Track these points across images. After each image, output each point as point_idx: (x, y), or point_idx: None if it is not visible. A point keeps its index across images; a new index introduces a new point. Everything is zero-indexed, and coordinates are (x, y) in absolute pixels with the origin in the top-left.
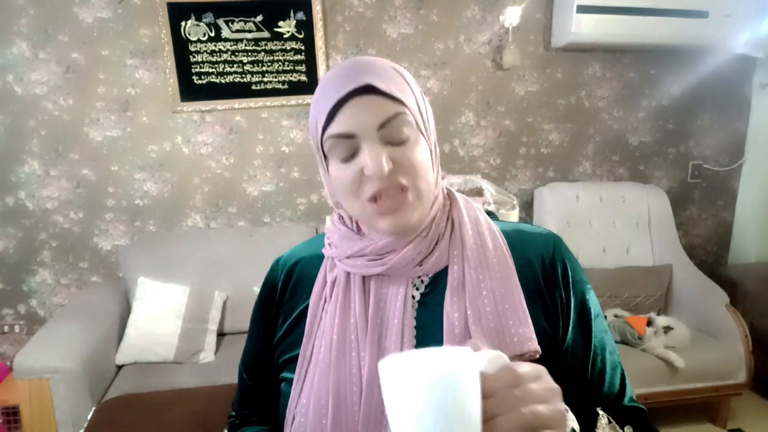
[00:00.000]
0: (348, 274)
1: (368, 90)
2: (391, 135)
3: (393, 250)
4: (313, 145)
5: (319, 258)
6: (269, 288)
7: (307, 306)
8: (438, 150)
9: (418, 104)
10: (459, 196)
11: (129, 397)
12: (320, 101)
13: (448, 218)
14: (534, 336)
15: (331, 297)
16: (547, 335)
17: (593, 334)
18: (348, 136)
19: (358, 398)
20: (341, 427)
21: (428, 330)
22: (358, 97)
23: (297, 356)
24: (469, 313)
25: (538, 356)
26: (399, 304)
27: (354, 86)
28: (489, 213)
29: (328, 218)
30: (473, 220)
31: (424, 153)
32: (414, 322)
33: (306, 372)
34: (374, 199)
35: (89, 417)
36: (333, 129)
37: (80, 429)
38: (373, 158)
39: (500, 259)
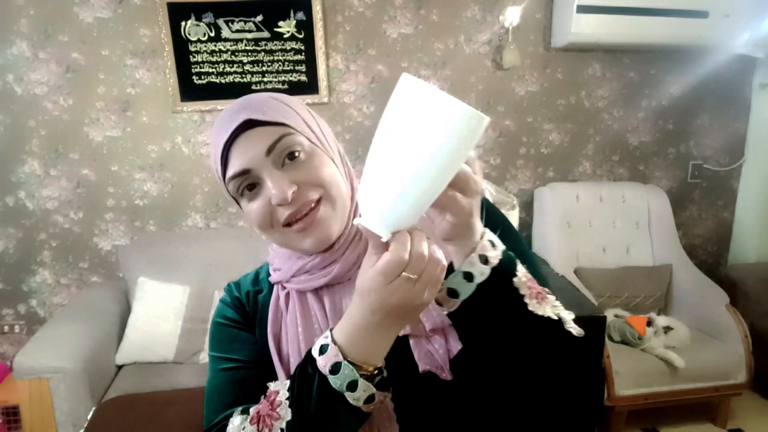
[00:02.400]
0: (299, 290)
1: (249, 125)
2: (282, 156)
3: (334, 261)
4: (222, 190)
5: (267, 288)
6: (236, 304)
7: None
8: (347, 159)
9: (305, 122)
10: None
11: (129, 397)
12: (213, 148)
13: None
14: None
15: (287, 310)
16: None
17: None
18: (244, 173)
19: None
20: None
21: None
22: (241, 134)
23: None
24: None
25: None
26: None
27: (234, 125)
28: None
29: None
30: None
31: (325, 164)
32: None
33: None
34: (288, 223)
35: (89, 417)
36: (230, 171)
37: (80, 429)
38: (275, 186)
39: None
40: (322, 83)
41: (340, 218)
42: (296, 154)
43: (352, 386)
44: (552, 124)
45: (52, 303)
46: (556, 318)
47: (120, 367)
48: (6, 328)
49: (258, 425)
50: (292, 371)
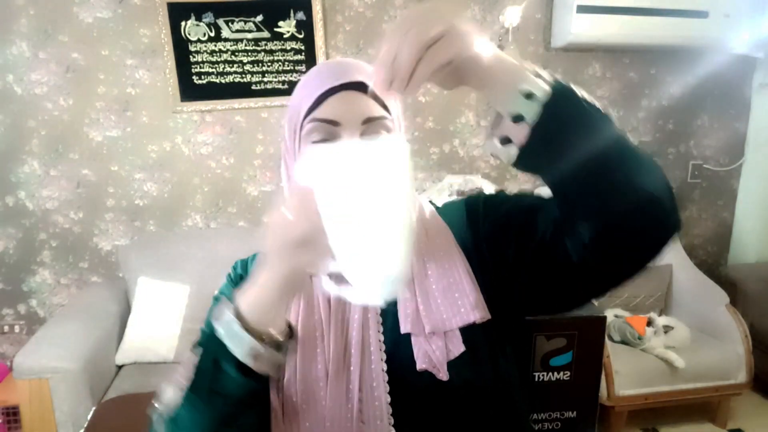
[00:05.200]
0: None
1: (359, 88)
2: (370, 133)
3: None
4: (287, 131)
5: None
6: (238, 282)
7: None
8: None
9: (398, 116)
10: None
11: (129, 397)
12: (307, 88)
13: None
14: (479, 301)
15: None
16: (492, 288)
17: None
18: (332, 123)
19: (324, 386)
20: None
21: (390, 315)
22: (347, 91)
23: None
24: (417, 292)
25: (487, 320)
26: (358, 316)
27: (347, 80)
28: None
29: None
30: (418, 209)
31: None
32: (378, 310)
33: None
34: None
35: (89, 417)
36: (318, 113)
37: (80, 429)
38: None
39: (439, 231)
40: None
41: None
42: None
43: (234, 337)
44: None
45: (52, 303)
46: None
47: (120, 367)
48: (6, 328)
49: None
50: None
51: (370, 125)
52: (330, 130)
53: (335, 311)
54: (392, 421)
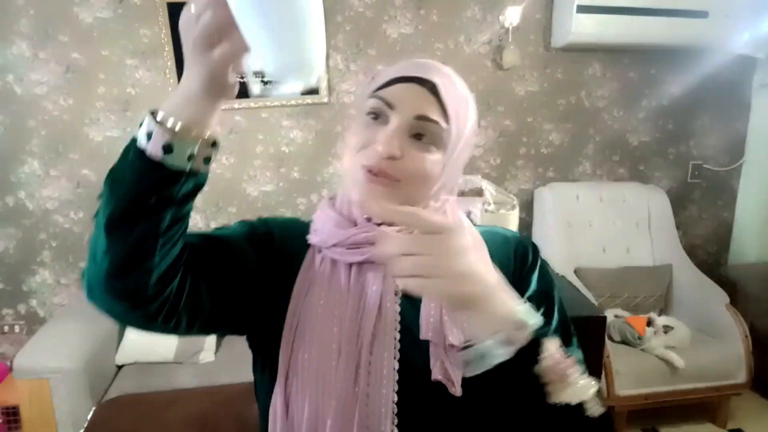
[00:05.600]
0: (333, 259)
1: (430, 88)
2: (418, 131)
3: (374, 243)
4: (358, 105)
5: (303, 237)
6: (265, 229)
7: (291, 275)
8: (456, 180)
9: (458, 134)
10: (459, 213)
11: (129, 397)
12: (388, 70)
13: None
14: None
15: (317, 275)
16: None
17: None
18: (388, 104)
19: (336, 367)
20: (323, 395)
21: (410, 317)
22: (417, 85)
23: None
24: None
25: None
26: (376, 287)
27: (422, 75)
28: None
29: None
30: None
31: (432, 166)
32: (398, 308)
33: (292, 347)
34: (369, 169)
35: (89, 417)
36: (382, 92)
37: (80, 429)
38: (390, 138)
39: (476, 244)
40: (322, 83)
41: (399, 203)
42: (424, 140)
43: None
44: (552, 124)
45: (52, 303)
46: (574, 403)
47: (120, 367)
48: (6, 328)
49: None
50: (294, 333)
51: (420, 123)
52: (383, 111)
53: (353, 297)
54: (396, 421)
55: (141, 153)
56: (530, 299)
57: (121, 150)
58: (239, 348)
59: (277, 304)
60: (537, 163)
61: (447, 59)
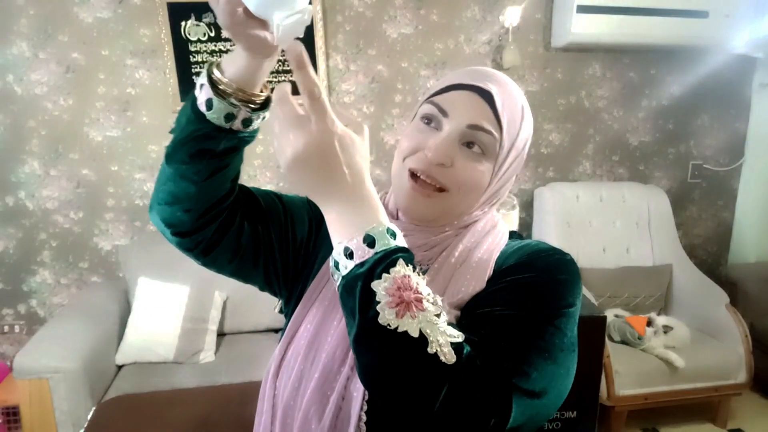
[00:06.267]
0: None
1: (485, 97)
2: (469, 140)
3: (406, 235)
4: (415, 108)
5: None
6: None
7: (320, 258)
8: (504, 192)
9: (510, 145)
10: (502, 228)
11: (129, 397)
12: (445, 77)
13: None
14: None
15: None
16: None
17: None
18: (442, 111)
19: (329, 342)
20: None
21: None
22: (473, 93)
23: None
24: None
25: None
26: None
27: (478, 84)
28: (513, 233)
29: None
30: (494, 240)
31: (481, 176)
32: None
33: (302, 319)
34: (414, 173)
35: (89, 417)
36: (438, 98)
37: (80, 429)
38: (441, 145)
39: (480, 263)
40: (322, 83)
41: (442, 213)
42: (477, 150)
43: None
44: (552, 124)
45: (52, 303)
46: (415, 335)
47: (120, 367)
48: (6, 328)
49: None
50: (308, 306)
51: (472, 132)
52: (437, 117)
53: None
54: (366, 408)
55: (193, 102)
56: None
57: (120, 152)
58: (239, 348)
59: (307, 275)
60: (537, 163)
61: (447, 59)
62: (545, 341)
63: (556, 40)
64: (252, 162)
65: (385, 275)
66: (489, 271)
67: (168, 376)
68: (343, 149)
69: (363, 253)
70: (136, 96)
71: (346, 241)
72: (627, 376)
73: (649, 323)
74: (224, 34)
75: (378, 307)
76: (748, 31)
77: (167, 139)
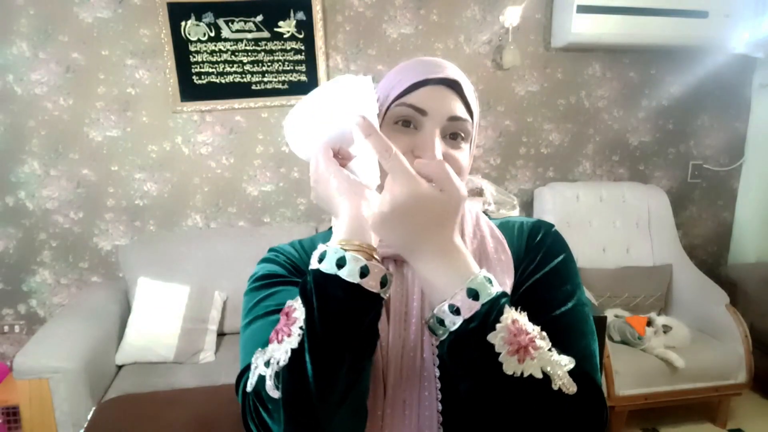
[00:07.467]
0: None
1: (452, 86)
2: (452, 131)
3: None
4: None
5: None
6: (286, 260)
7: None
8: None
9: (477, 123)
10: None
11: (129, 397)
12: (402, 74)
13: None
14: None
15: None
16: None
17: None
18: (420, 111)
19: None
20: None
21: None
22: (440, 86)
23: None
24: None
25: None
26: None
27: (444, 76)
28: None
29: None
30: (474, 217)
31: (465, 160)
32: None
33: None
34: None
35: (89, 417)
36: (409, 99)
37: (80, 429)
38: (435, 143)
39: (498, 247)
40: (323, 83)
41: None
42: (459, 138)
43: (350, 268)
44: (552, 124)
45: (52, 303)
46: (540, 377)
47: (120, 367)
48: (6, 328)
49: (277, 337)
50: None
51: (454, 123)
52: (416, 118)
53: (397, 292)
54: (441, 420)
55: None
56: (539, 283)
57: (120, 152)
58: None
59: None
60: (537, 163)
61: (447, 59)
62: (588, 324)
63: (556, 40)
64: (252, 162)
65: (498, 325)
66: (511, 264)
67: (168, 376)
68: (431, 206)
69: (470, 308)
70: (136, 96)
71: (449, 298)
72: (627, 376)
73: (649, 323)
74: (224, 34)
75: (500, 358)
76: (747, 31)
77: (167, 139)
